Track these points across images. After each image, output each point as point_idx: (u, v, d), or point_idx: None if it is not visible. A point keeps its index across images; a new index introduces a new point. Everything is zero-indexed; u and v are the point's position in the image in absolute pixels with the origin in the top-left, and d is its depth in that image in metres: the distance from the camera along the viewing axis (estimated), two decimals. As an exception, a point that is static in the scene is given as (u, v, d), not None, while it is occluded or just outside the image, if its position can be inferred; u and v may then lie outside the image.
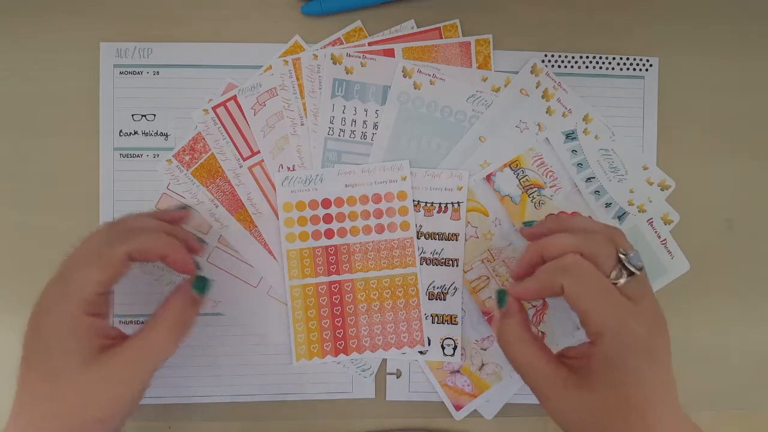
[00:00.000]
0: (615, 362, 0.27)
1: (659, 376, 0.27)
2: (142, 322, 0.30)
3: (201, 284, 0.31)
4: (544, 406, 0.29)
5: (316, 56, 0.38)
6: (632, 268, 0.28)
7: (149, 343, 0.28)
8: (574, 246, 0.29)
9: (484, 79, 0.39)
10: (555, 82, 0.39)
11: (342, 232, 0.38)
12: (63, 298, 0.27)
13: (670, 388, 0.27)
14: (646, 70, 0.40)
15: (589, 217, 0.37)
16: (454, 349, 0.38)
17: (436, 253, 0.39)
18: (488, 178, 0.39)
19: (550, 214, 0.35)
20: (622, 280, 0.28)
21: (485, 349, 0.38)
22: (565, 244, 0.29)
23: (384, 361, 0.39)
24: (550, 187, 0.39)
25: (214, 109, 0.38)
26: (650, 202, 0.39)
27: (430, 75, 0.39)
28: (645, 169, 0.39)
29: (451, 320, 0.38)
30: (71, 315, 0.27)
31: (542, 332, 0.39)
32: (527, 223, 0.34)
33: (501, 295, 0.31)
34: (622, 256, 0.28)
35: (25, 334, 0.28)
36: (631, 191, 0.39)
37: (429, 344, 0.38)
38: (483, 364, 0.38)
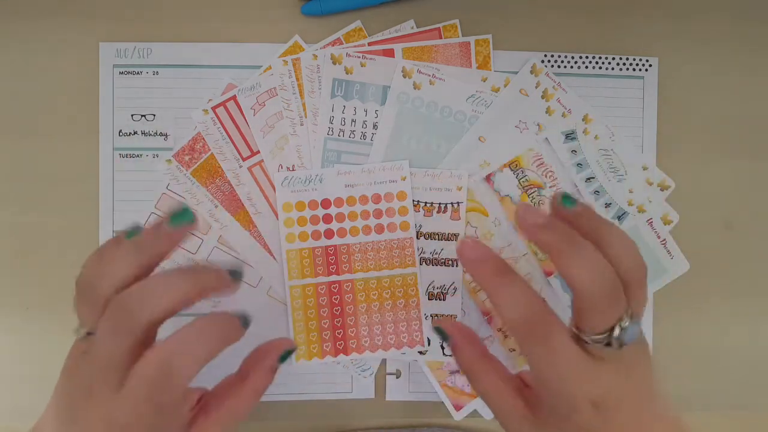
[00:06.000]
0: (556, 413, 0.25)
1: (609, 426, 0.25)
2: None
3: (287, 354, 0.29)
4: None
5: (315, 56, 0.38)
6: (616, 344, 0.24)
7: (235, 410, 0.27)
8: (590, 288, 0.24)
9: (484, 79, 0.39)
10: (555, 82, 0.39)
11: (342, 233, 0.38)
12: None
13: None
14: (646, 70, 0.40)
15: (621, 233, 0.28)
16: (454, 349, 0.38)
17: (436, 253, 0.39)
18: (488, 178, 0.39)
19: (588, 210, 0.26)
20: (598, 345, 0.24)
21: (485, 349, 0.38)
22: (583, 282, 0.24)
23: (384, 361, 0.39)
24: (550, 187, 0.39)
25: (213, 109, 0.38)
26: (650, 202, 0.39)
27: (429, 75, 0.39)
28: (644, 169, 0.39)
29: (450, 320, 0.38)
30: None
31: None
32: (567, 199, 0.26)
33: (440, 333, 0.29)
34: (618, 328, 0.24)
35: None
36: (631, 191, 0.39)
37: (429, 344, 0.38)
38: (483, 364, 0.38)
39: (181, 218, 0.25)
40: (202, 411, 0.26)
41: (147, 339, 0.24)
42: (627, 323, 0.24)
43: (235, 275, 0.26)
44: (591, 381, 0.24)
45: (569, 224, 0.25)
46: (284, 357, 0.29)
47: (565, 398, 0.25)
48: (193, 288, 0.24)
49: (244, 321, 0.27)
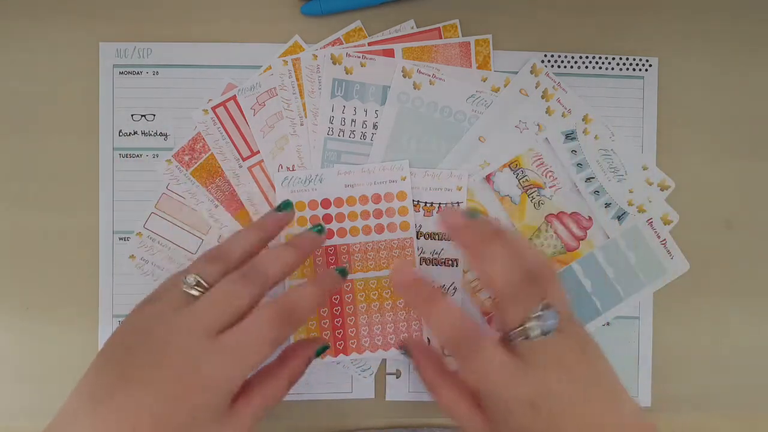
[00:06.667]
0: (501, 419, 0.27)
1: (553, 425, 0.26)
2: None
3: (322, 350, 0.33)
4: None
5: (315, 56, 0.38)
6: (538, 334, 0.26)
7: (272, 394, 0.29)
8: (502, 279, 0.27)
9: (484, 79, 0.39)
10: (555, 82, 0.39)
11: (342, 233, 0.38)
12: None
13: (576, 427, 0.26)
14: (646, 70, 0.40)
15: (525, 240, 0.32)
16: (454, 349, 0.38)
17: (436, 254, 0.39)
18: (488, 178, 0.39)
19: (486, 221, 0.31)
20: (519, 340, 0.26)
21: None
22: (495, 274, 0.27)
23: (384, 361, 0.39)
24: (550, 187, 0.39)
25: (213, 109, 0.38)
26: (650, 202, 0.39)
27: (429, 75, 0.39)
28: (644, 169, 0.39)
29: (450, 320, 0.38)
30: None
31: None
32: (474, 213, 0.31)
33: (404, 351, 0.33)
34: (532, 321, 0.26)
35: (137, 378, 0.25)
36: (631, 191, 0.39)
37: (429, 344, 0.38)
38: (482, 364, 0.38)
39: (285, 207, 0.34)
40: (243, 392, 0.28)
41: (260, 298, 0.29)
42: (540, 312, 0.26)
43: (320, 230, 0.33)
44: (520, 383, 0.26)
45: (465, 234, 0.30)
46: (320, 351, 0.32)
47: (502, 404, 0.26)
48: (301, 255, 0.31)
49: (342, 272, 0.33)
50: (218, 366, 0.26)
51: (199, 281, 0.28)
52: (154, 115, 0.38)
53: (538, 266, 0.28)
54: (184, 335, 0.26)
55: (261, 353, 0.27)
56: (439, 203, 0.38)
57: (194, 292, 0.28)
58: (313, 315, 0.30)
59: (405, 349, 0.32)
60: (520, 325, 0.26)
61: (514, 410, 0.26)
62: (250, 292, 0.27)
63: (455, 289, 0.38)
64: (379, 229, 0.38)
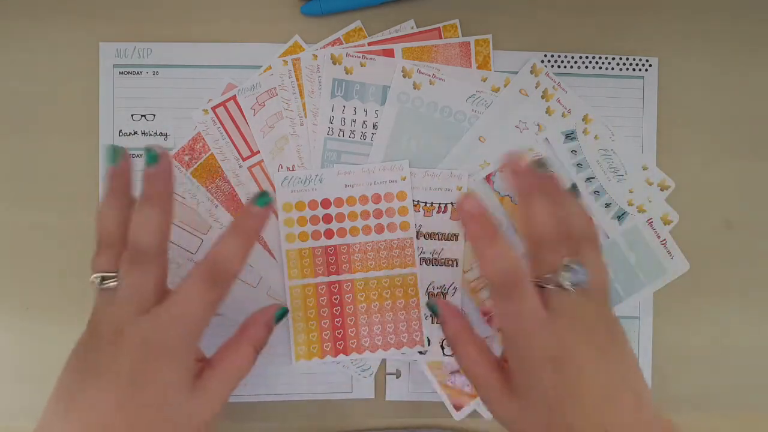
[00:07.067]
0: (522, 374, 0.27)
1: (571, 387, 0.26)
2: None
3: (281, 315, 0.33)
4: (487, 409, 0.29)
5: (315, 56, 0.38)
6: (567, 284, 0.27)
7: (237, 363, 0.29)
8: (542, 226, 0.29)
9: (484, 79, 0.39)
10: (555, 82, 0.39)
11: (341, 232, 0.38)
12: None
13: (593, 395, 0.26)
14: (646, 70, 0.40)
15: (580, 204, 0.33)
16: (454, 349, 0.38)
17: (436, 253, 0.39)
18: (488, 178, 0.39)
19: (555, 178, 0.31)
20: (550, 286, 0.28)
21: (485, 349, 0.39)
22: (538, 225, 0.29)
23: (384, 361, 0.39)
24: (550, 187, 0.39)
25: (213, 109, 0.38)
26: (650, 202, 0.39)
27: (429, 75, 0.39)
28: (644, 169, 0.39)
29: (450, 320, 0.38)
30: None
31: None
32: (542, 164, 0.31)
33: (431, 308, 0.34)
34: (564, 270, 0.27)
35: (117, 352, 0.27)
36: (631, 191, 0.39)
37: (429, 344, 0.38)
38: (483, 364, 0.38)
39: (112, 159, 0.31)
40: (207, 365, 0.29)
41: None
42: (572, 263, 0.28)
43: (264, 198, 0.30)
44: (545, 334, 0.27)
45: (538, 185, 0.30)
46: (279, 316, 0.32)
47: (526, 353, 0.27)
48: (159, 203, 0.29)
49: (264, 197, 0.30)
50: (165, 337, 0.26)
51: (103, 276, 0.28)
52: (154, 115, 0.38)
53: (582, 231, 0.30)
54: (123, 320, 0.27)
55: (198, 317, 0.27)
56: (439, 203, 0.38)
57: (110, 286, 0.28)
58: (245, 263, 0.29)
59: (431, 305, 0.34)
60: (552, 272, 0.28)
61: (536, 366, 0.27)
62: (148, 273, 0.28)
63: (455, 289, 0.38)
64: (379, 229, 0.38)
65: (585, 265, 0.28)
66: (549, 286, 0.28)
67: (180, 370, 0.27)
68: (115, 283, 0.28)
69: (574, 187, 0.33)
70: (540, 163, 0.30)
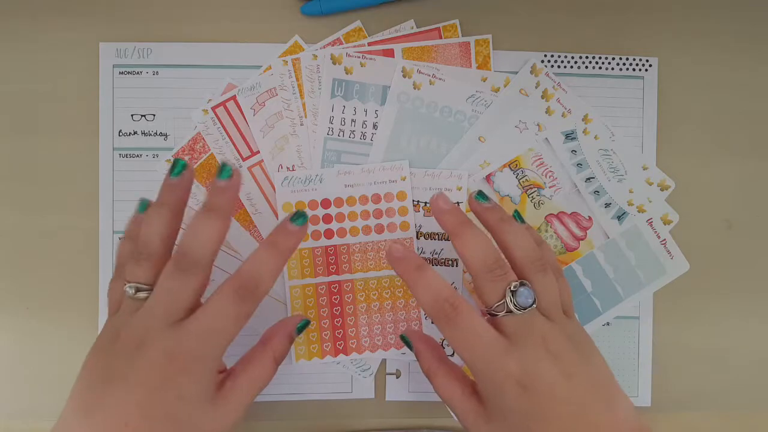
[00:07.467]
0: (493, 400, 0.28)
1: (539, 408, 0.26)
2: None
3: (303, 326, 0.32)
4: None
5: (315, 56, 0.38)
6: (513, 308, 0.27)
7: (259, 375, 0.29)
8: (475, 256, 0.29)
9: (484, 80, 0.39)
10: (554, 82, 0.39)
11: (342, 233, 0.38)
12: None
13: (562, 414, 0.26)
14: (646, 70, 0.40)
15: (527, 227, 0.34)
16: (454, 349, 0.38)
17: (436, 254, 0.39)
18: (488, 178, 0.39)
19: (496, 209, 0.31)
20: (501, 314, 0.28)
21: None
22: (473, 257, 0.29)
23: (384, 361, 0.39)
24: (550, 187, 0.39)
25: (213, 109, 0.38)
26: (650, 202, 0.39)
27: (429, 75, 0.39)
28: (644, 169, 0.39)
29: (450, 320, 0.38)
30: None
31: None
32: (480, 196, 0.31)
33: (404, 340, 0.33)
34: (510, 293, 0.28)
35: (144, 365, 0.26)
36: (631, 191, 0.39)
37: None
38: (482, 364, 0.38)
39: (176, 172, 0.29)
40: (229, 376, 0.29)
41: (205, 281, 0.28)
42: (517, 286, 0.28)
43: (225, 171, 0.28)
44: (508, 360, 0.27)
45: (480, 217, 0.31)
46: (301, 328, 0.32)
47: (491, 380, 0.27)
48: (221, 216, 0.28)
49: (301, 216, 0.29)
50: (190, 349, 0.26)
51: (138, 287, 0.28)
52: (154, 115, 0.38)
53: (526, 255, 0.29)
54: (149, 331, 0.26)
55: (227, 331, 0.27)
56: (439, 203, 0.38)
57: (140, 296, 0.28)
58: (276, 280, 0.29)
59: (404, 338, 0.33)
60: (499, 301, 0.28)
61: (505, 389, 0.27)
62: (190, 283, 0.27)
63: (455, 288, 0.38)
64: (379, 229, 0.38)
65: (532, 286, 0.28)
66: (500, 314, 0.28)
67: (203, 383, 0.27)
68: (145, 294, 0.27)
69: (516, 214, 0.34)
70: (479, 196, 0.31)
